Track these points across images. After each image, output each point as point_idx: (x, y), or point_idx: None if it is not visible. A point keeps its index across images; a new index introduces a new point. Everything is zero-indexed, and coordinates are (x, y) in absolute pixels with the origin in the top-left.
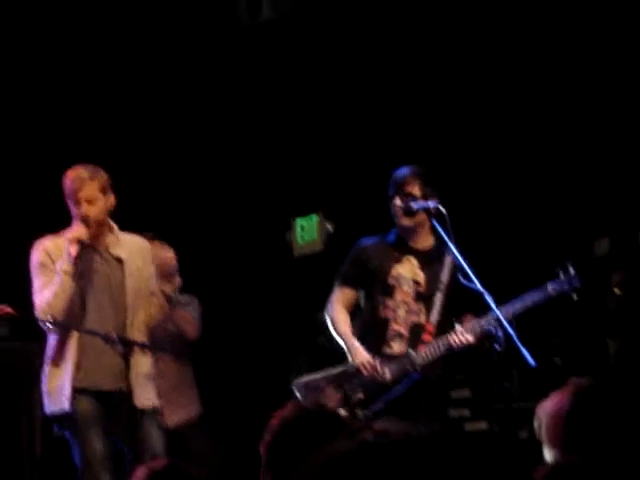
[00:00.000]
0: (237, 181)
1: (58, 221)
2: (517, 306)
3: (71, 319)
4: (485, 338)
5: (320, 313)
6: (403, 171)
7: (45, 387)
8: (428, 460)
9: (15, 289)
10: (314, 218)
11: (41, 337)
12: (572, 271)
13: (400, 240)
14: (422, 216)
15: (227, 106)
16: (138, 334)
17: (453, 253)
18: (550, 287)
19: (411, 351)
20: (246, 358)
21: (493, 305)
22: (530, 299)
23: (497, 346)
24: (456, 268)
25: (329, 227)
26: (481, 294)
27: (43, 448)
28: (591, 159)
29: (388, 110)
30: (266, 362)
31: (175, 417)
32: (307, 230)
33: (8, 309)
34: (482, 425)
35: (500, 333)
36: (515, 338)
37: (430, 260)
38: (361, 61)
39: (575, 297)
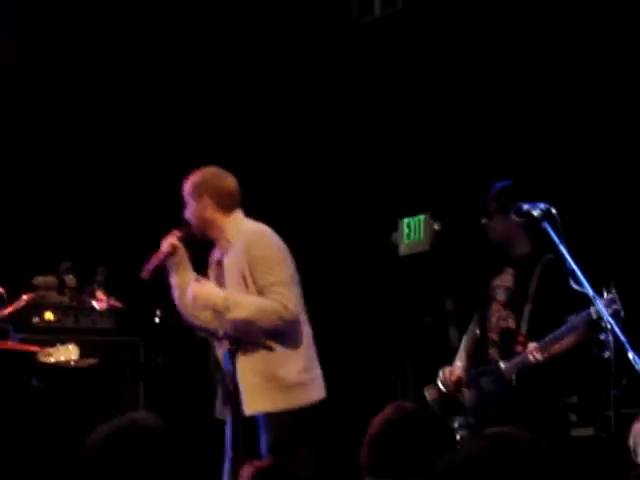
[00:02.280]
0: (345, 180)
1: None
2: (557, 336)
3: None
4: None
5: (426, 315)
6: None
7: None
8: (556, 465)
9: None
10: (421, 218)
11: (146, 331)
12: (613, 292)
13: (500, 252)
14: (512, 225)
15: (337, 104)
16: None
17: (563, 256)
18: (592, 310)
19: (501, 363)
20: (352, 359)
21: (604, 310)
22: (570, 327)
23: (607, 352)
24: (546, 278)
25: (436, 227)
26: (592, 299)
27: None
28: None
29: (498, 109)
30: (372, 363)
31: None
32: (414, 230)
33: (116, 303)
34: (589, 431)
35: (610, 339)
36: (626, 344)
37: (525, 268)
38: (471, 59)
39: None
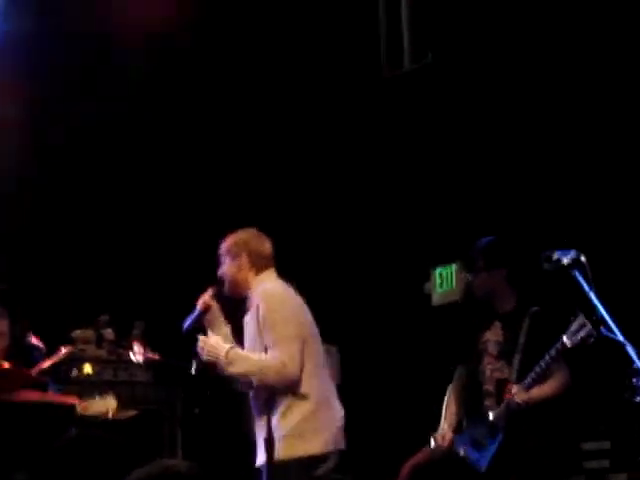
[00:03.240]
0: (376, 230)
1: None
2: (537, 374)
3: None
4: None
5: (459, 365)
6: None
7: None
8: None
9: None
10: (452, 267)
11: (183, 382)
12: (582, 318)
13: (487, 307)
14: (496, 281)
15: (368, 157)
16: None
17: (593, 303)
18: (565, 339)
19: (490, 413)
20: (385, 407)
21: (635, 357)
22: (548, 360)
23: (638, 397)
24: (534, 329)
25: (467, 276)
26: (622, 345)
27: None
28: None
29: (530, 160)
30: (405, 412)
31: None
32: (445, 279)
33: (153, 355)
34: (622, 477)
35: None
36: None
37: (512, 322)
38: (501, 112)
39: (590, 341)
